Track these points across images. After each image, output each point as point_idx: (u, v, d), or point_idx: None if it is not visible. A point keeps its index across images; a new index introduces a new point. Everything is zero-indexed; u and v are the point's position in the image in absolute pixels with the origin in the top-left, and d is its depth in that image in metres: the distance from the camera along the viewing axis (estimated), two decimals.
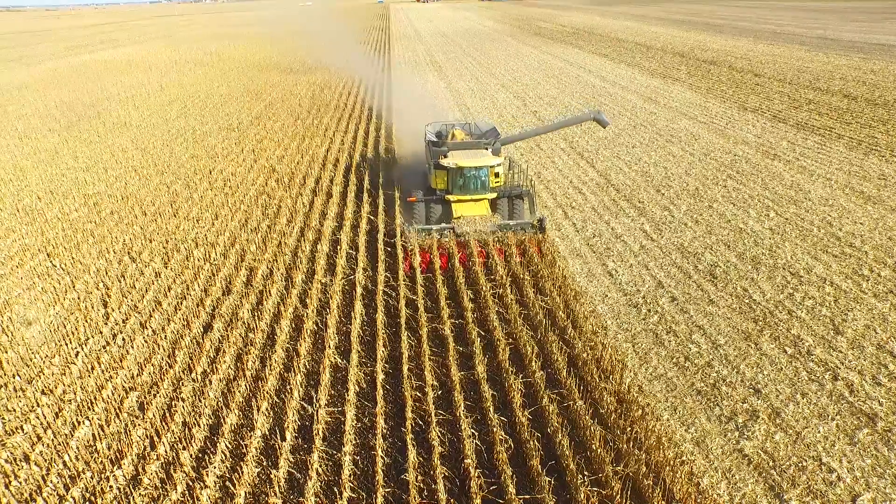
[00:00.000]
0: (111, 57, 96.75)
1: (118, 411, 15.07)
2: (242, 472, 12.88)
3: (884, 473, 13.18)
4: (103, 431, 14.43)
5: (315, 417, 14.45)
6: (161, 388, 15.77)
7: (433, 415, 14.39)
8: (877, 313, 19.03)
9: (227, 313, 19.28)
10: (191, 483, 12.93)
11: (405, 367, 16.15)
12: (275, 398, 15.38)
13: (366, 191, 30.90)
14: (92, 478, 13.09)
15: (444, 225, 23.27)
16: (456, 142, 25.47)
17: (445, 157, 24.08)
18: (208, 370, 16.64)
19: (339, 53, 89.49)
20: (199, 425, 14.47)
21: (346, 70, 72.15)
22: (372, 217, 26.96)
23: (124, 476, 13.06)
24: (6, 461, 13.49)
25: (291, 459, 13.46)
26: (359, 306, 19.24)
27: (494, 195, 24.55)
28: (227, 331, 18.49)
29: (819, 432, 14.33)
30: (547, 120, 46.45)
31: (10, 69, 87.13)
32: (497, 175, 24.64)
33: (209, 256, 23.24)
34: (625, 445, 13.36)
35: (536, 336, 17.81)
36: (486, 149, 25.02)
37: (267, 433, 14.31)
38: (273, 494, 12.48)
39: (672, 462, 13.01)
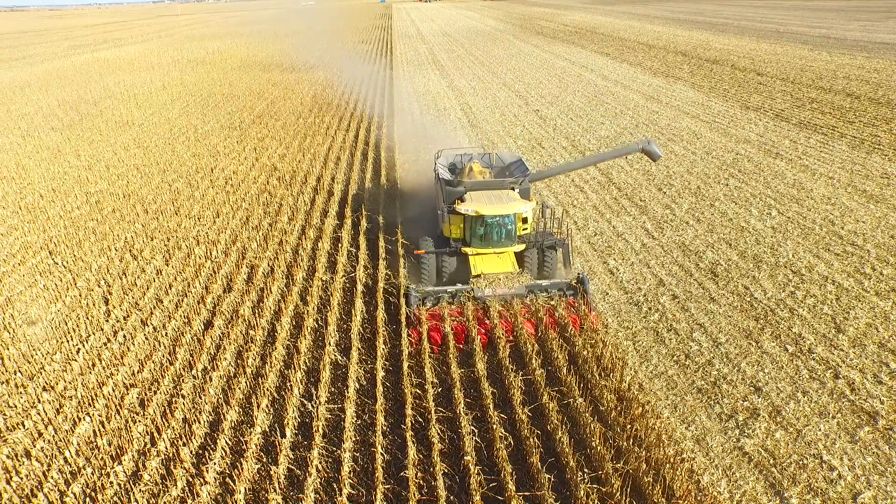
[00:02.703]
0: (114, 56, 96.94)
1: (119, 408, 15.10)
2: (242, 469, 12.88)
3: (885, 471, 13.15)
4: (104, 428, 14.45)
5: (315, 414, 14.45)
6: (162, 384, 15.79)
7: (433, 412, 14.39)
8: (878, 311, 18.99)
9: (228, 310, 19.30)
10: (191, 479, 12.94)
11: (405, 365, 16.15)
12: (275, 395, 15.39)
13: (367, 189, 30.94)
14: (92, 474, 13.12)
15: (459, 286, 18.95)
16: (475, 181, 21.09)
17: (462, 200, 19.79)
18: (209, 367, 16.66)
19: (341, 52, 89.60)
20: (199, 422, 14.48)
21: (349, 69, 72.16)
22: (373, 215, 26.95)
23: (125, 472, 13.08)
24: (7, 457, 13.51)
25: (291, 456, 13.46)
26: (359, 304, 19.24)
27: (522, 247, 20.11)
28: (227, 328, 18.51)
29: (820, 430, 14.30)
30: (551, 120, 46.41)
31: (14, 68, 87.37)
32: (524, 220, 20.37)
33: (210, 254, 23.27)
34: (625, 443, 13.34)
35: (536, 333, 17.78)
36: (513, 189, 20.47)
37: (267, 430, 14.32)
38: (273, 491, 12.47)
39: (672, 460, 12.98)
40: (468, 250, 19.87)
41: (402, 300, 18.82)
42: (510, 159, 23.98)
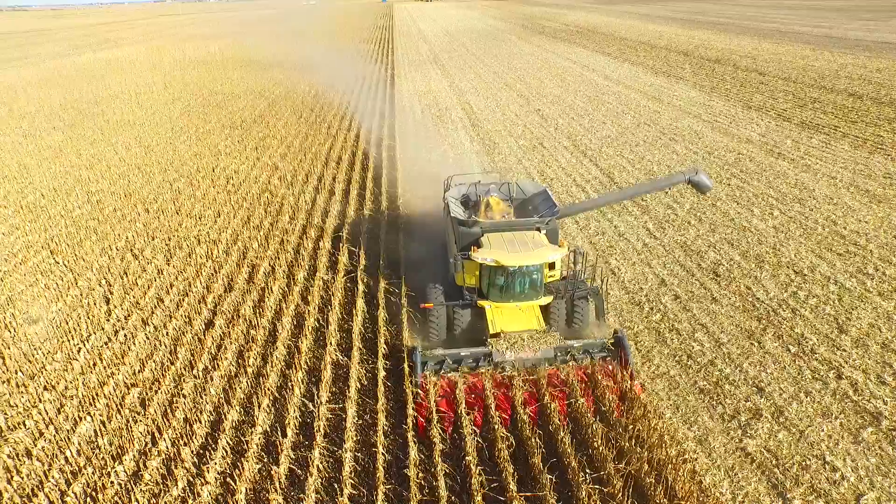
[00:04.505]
0: (115, 56, 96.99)
1: (120, 407, 15.07)
2: (243, 469, 12.87)
3: (888, 472, 13.09)
4: (105, 427, 14.43)
5: (316, 414, 14.43)
6: (162, 384, 15.77)
7: (434, 412, 14.35)
8: (881, 312, 18.92)
9: (229, 310, 19.27)
10: (192, 479, 12.92)
11: (406, 364, 16.12)
12: (276, 395, 15.36)
13: (369, 188, 30.91)
14: (93, 473, 13.10)
15: (473, 349, 15.85)
16: (494, 221, 17.56)
17: (479, 245, 16.43)
18: (210, 367, 16.64)
19: (342, 52, 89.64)
20: (200, 422, 14.45)
21: (351, 68, 72.20)
22: (375, 214, 26.93)
23: (125, 472, 13.06)
24: (9, 456, 13.50)
25: (292, 456, 13.44)
26: (360, 303, 19.22)
27: (549, 299, 16.82)
28: (228, 327, 18.48)
29: (823, 431, 14.25)
30: (553, 120, 46.34)
31: (15, 68, 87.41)
32: (552, 266, 17.24)
33: (211, 254, 23.25)
34: (627, 443, 13.30)
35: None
36: (539, 230, 17.09)
37: (268, 430, 14.29)
38: (274, 491, 12.45)
39: (674, 460, 12.94)
40: (485, 303, 16.72)
41: (406, 362, 16.39)
42: (533, 190, 20.10)
